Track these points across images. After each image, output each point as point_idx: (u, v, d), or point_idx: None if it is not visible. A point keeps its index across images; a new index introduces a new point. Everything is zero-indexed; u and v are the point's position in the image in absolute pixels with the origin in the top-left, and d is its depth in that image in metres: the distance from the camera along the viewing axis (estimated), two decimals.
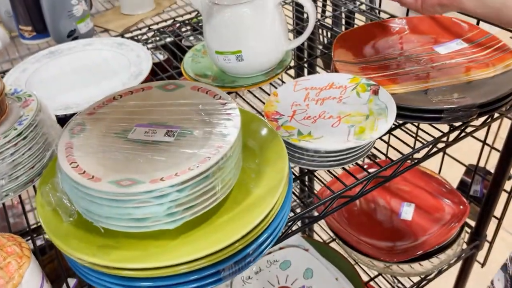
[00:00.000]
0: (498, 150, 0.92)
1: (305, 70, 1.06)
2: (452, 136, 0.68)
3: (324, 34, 1.42)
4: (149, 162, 0.46)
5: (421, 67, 0.73)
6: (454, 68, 0.72)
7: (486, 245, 1.02)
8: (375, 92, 0.64)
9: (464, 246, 0.99)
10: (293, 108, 0.64)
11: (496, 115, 0.71)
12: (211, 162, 0.44)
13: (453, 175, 1.06)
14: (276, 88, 0.68)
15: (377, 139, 0.58)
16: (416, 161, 0.65)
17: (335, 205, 0.59)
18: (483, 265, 1.06)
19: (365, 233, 0.93)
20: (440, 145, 0.67)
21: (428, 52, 0.77)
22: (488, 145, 0.92)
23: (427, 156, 0.66)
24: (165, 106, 0.53)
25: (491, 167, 1.01)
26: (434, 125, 0.69)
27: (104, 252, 0.45)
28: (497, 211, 0.95)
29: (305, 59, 0.93)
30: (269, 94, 0.69)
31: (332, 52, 0.77)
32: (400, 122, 0.70)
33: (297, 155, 0.59)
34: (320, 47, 1.06)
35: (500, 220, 0.96)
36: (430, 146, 0.65)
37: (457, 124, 0.68)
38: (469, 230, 1.01)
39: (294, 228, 0.57)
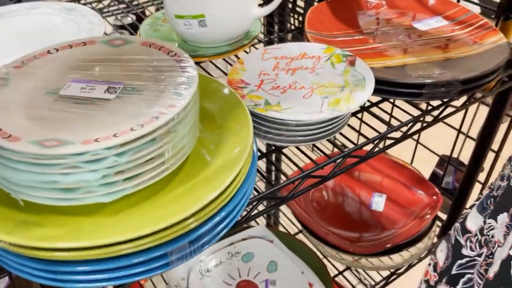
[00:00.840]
0: (473, 139, 0.89)
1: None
2: (429, 118, 0.63)
3: (296, 23, 1.36)
4: (83, 121, 0.38)
5: (399, 42, 0.68)
6: (434, 44, 0.67)
7: None
8: (352, 63, 0.58)
9: (435, 240, 0.95)
10: (261, 78, 0.57)
11: (476, 95, 0.67)
12: (159, 122, 0.36)
13: (422, 167, 1.02)
14: None
15: (353, 111, 0.51)
16: (393, 141, 0.60)
17: (304, 186, 0.53)
18: None
19: (334, 224, 0.88)
20: (417, 127, 0.61)
21: (406, 28, 0.72)
22: (463, 133, 0.89)
23: (405, 136, 0.60)
24: (109, 61, 0.45)
25: (464, 159, 0.98)
26: (410, 109, 0.64)
27: (23, 229, 0.36)
28: (469, 204, 0.92)
29: (275, 34, 0.86)
30: None
31: (304, 25, 0.71)
32: (375, 101, 0.65)
33: (264, 128, 0.52)
34: (292, 27, 1.00)
35: None
36: (409, 125, 0.59)
37: (435, 104, 0.63)
38: (440, 224, 0.97)
39: (258, 209, 0.50)
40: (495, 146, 0.82)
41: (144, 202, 0.40)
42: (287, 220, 1.24)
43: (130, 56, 0.45)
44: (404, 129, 0.60)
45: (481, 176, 0.87)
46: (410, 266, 0.91)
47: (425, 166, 1.03)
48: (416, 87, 0.58)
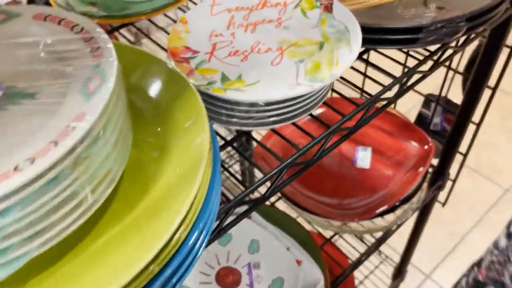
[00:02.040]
0: (460, 73, 0.78)
1: None
2: (425, 67, 0.51)
3: None
4: None
5: None
6: None
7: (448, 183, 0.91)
8: (328, 8, 0.45)
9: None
10: (213, 40, 0.43)
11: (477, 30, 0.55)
12: (61, 150, 0.24)
13: (406, 111, 0.92)
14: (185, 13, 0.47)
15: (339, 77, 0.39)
16: (386, 102, 0.48)
17: (286, 176, 0.41)
18: (444, 204, 0.96)
19: (317, 189, 0.78)
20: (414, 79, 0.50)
21: None
22: (452, 69, 0.78)
23: (400, 93, 0.49)
24: None
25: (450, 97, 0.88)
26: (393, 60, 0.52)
27: None
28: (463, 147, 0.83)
29: None
30: None
31: None
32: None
33: (224, 111, 0.39)
34: None
35: (465, 155, 0.84)
36: (405, 79, 0.48)
37: (433, 48, 0.51)
38: (430, 170, 0.89)
39: (228, 220, 0.39)
40: (491, 82, 0.72)
41: (64, 258, 0.27)
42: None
43: (16, 38, 0.31)
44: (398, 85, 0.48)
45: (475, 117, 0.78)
46: (403, 222, 0.83)
47: (411, 109, 0.93)
48: (411, 31, 0.46)
